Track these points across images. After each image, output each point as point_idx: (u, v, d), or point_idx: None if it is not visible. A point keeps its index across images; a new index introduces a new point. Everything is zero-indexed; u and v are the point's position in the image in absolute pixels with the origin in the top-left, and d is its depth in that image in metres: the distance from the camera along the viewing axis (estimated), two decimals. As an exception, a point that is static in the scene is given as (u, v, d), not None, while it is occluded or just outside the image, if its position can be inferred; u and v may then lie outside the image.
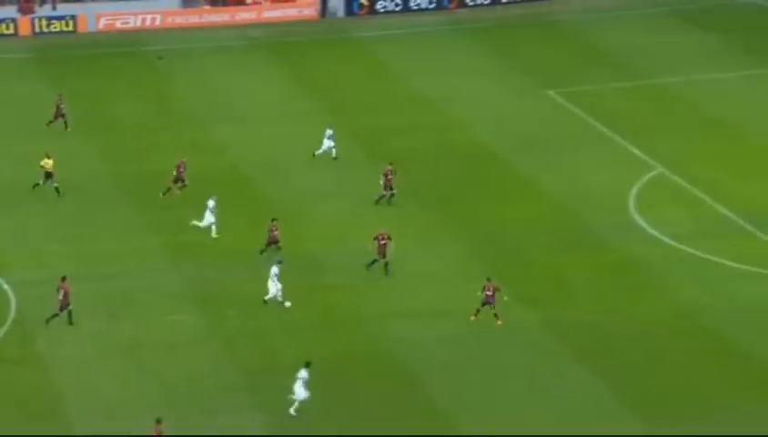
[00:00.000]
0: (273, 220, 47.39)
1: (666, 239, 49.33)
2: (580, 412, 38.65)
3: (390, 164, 52.02)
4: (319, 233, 49.62)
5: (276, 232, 47.02)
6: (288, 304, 43.99)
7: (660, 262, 47.62)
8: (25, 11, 74.21)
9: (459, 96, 64.55)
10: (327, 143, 56.29)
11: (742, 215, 51.21)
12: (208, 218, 49.06)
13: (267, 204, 51.07)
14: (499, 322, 42.91)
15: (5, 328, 43.11)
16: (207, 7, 76.94)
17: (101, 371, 40.83)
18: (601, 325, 43.32)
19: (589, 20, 77.22)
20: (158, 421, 36.11)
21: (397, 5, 79.10)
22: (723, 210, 51.88)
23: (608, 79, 67.11)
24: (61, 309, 42.65)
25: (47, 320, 42.76)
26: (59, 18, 74.56)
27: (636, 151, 57.87)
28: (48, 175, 52.31)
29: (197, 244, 48.82)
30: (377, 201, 51.82)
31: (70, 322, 42.83)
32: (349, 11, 78.87)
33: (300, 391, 38.15)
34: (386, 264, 46.00)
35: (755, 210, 51.54)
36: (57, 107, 58.93)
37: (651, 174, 55.55)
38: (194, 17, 76.45)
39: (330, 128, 56.57)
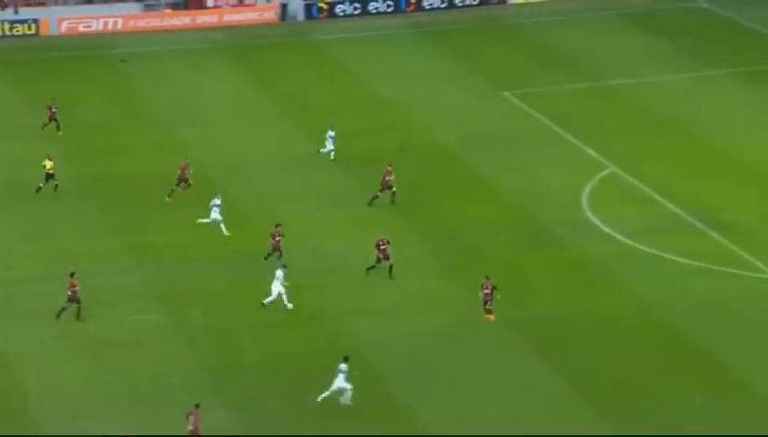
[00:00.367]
0: (276, 226, 47.48)
1: (619, 237, 50.19)
2: (538, 407, 39.22)
3: (389, 164, 52.72)
4: (283, 233, 50.12)
5: (278, 238, 47.01)
6: (290, 306, 44.17)
7: (614, 259, 48.38)
8: (-13, 15, 74.48)
9: (419, 98, 65.26)
10: (329, 143, 56.84)
11: (691, 213, 52.15)
12: (214, 216, 49.57)
13: (229, 205, 51.42)
14: (491, 318, 43.50)
15: (-28, 328, 43.22)
16: (169, 11, 77.40)
17: (65, 370, 40.98)
18: (558, 320, 43.96)
19: (542, 23, 78.18)
20: (197, 406, 36.45)
21: (356, 8, 79.89)
22: (674, 208, 52.78)
23: (562, 81, 68.06)
24: (69, 302, 43.22)
25: (57, 315, 43.18)
26: (21, 22, 74.73)
27: (590, 151, 58.71)
28: (49, 176, 52.85)
29: (160, 244, 49.23)
30: (370, 203, 52.31)
31: (78, 317, 43.32)
32: (309, 14, 79.62)
33: (344, 384, 38.53)
34: (390, 267, 46.17)
35: (704, 208, 52.52)
36: (50, 111, 59.32)
37: (604, 173, 56.46)
38: (155, 21, 76.84)
39: (332, 129, 57.04)
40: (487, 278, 43.86)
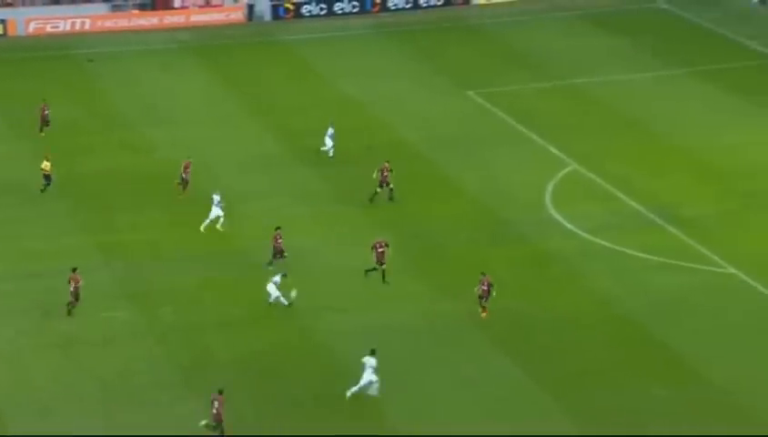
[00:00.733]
0: (277, 229, 47.52)
1: (581, 233, 50.88)
2: (503, 400, 39.71)
3: (387, 161, 53.16)
4: (250, 231, 50.39)
5: (280, 241, 47.12)
6: (286, 302, 44.51)
7: (576, 255, 49.06)
8: (-46, 15, 74.41)
9: (384, 98, 65.72)
10: (329, 141, 57.23)
11: (652, 209, 52.91)
12: (215, 212, 49.90)
13: (193, 204, 51.70)
14: (484, 315, 43.97)
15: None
16: (136, 12, 77.61)
17: (34, 368, 41.06)
18: (523, 315, 44.46)
19: (506, 23, 78.79)
20: (220, 392, 36.76)
21: (322, 9, 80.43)
22: (635, 205, 53.55)
23: (526, 80, 68.64)
24: (73, 297, 43.56)
25: (68, 311, 43.45)
26: (-12, 22, 74.91)
27: (553, 149, 59.34)
28: (47, 177, 53.03)
29: (128, 243, 49.49)
30: (371, 199, 52.70)
31: (69, 313, 43.69)
32: (276, 15, 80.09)
33: (373, 376, 38.82)
34: (383, 271, 46.34)
35: (664, 205, 53.30)
36: (42, 113, 59.47)
37: (567, 170, 57.10)
38: (123, 21, 77.02)
39: (332, 127, 57.40)
40: (483, 274, 44.08)
